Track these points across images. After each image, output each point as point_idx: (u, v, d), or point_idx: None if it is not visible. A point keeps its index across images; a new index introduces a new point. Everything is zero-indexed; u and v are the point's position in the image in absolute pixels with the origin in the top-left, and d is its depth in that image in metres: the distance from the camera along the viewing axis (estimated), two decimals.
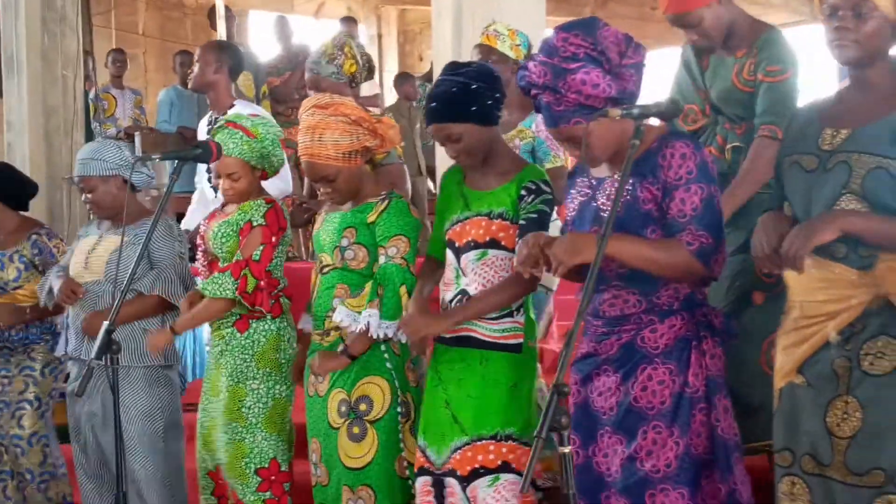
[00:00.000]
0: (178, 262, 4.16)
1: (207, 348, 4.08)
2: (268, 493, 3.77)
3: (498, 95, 3.33)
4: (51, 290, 4.24)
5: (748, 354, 3.48)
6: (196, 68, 5.23)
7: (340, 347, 3.52)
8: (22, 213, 4.90)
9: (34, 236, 4.76)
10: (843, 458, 2.61)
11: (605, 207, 2.89)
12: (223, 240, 3.84)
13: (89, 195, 4.23)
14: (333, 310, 3.54)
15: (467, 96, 3.26)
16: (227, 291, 3.71)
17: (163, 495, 4.13)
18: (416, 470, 3.40)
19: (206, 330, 5.17)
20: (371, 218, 3.53)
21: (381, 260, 3.51)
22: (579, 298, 2.93)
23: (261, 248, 3.77)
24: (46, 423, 4.71)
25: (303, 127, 3.59)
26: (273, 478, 3.78)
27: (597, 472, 2.89)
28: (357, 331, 3.44)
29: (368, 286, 3.48)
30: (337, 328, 3.55)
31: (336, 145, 3.51)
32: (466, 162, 3.35)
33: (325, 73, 4.78)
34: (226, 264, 3.81)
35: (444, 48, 5.27)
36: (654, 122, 2.88)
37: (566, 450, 2.34)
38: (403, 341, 3.48)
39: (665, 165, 2.80)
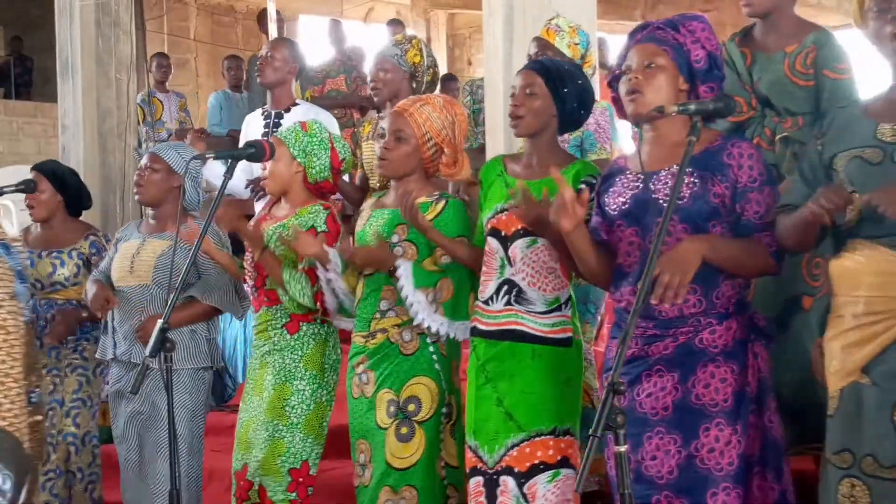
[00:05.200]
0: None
1: None
2: (293, 495, 3.80)
3: (582, 113, 3.40)
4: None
5: (797, 359, 3.43)
6: (270, 64, 5.22)
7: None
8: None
9: (91, 237, 4.86)
10: None
11: (668, 198, 2.82)
12: (279, 243, 3.83)
13: (146, 173, 4.27)
14: (381, 312, 3.56)
15: (570, 80, 3.35)
16: (307, 299, 3.76)
17: (195, 495, 4.19)
18: (467, 470, 3.37)
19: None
20: (429, 216, 3.52)
21: (445, 260, 3.53)
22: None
23: None
24: (95, 424, 4.77)
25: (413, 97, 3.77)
26: (301, 480, 3.81)
27: (646, 476, 2.84)
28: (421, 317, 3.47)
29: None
30: (384, 330, 3.56)
31: (429, 120, 3.57)
32: (517, 122, 3.34)
33: (388, 53, 4.74)
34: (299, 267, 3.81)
35: (496, 48, 5.24)
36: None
37: (622, 449, 2.32)
38: (453, 337, 3.52)
39: (734, 165, 2.83)
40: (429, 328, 3.48)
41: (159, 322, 3.20)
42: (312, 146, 3.90)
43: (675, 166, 2.85)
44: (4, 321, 3.32)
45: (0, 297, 3.32)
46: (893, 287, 2.61)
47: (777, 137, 3.63)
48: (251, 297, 4.03)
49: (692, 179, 2.83)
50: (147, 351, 3.21)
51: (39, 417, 3.59)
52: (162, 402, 3.90)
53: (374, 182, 4.70)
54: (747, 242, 2.83)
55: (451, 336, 3.51)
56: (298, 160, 3.89)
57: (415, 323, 3.48)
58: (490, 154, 5.39)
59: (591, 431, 2.28)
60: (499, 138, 5.18)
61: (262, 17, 9.25)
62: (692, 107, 2.69)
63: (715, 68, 2.95)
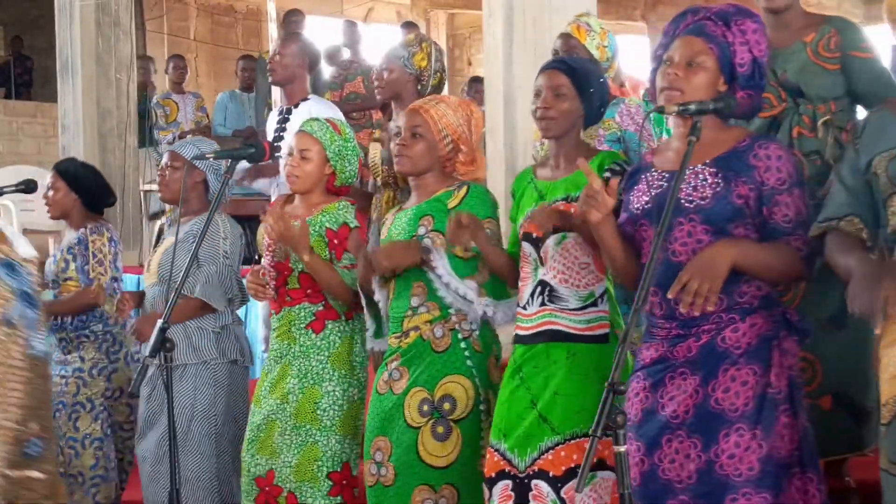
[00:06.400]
0: (221, 262, 4.12)
1: (262, 348, 4.06)
2: (338, 498, 3.72)
3: (602, 110, 3.37)
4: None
5: (863, 356, 3.41)
6: (279, 62, 5.19)
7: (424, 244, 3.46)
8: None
9: (81, 229, 4.77)
10: None
11: (689, 198, 2.82)
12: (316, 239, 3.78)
13: (167, 172, 4.26)
14: (412, 309, 3.51)
15: (595, 78, 3.31)
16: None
17: (214, 497, 4.12)
18: (489, 474, 3.27)
19: (260, 331, 5.18)
20: (452, 203, 3.49)
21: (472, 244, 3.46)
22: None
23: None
24: (101, 425, 4.69)
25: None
26: (345, 482, 3.74)
27: (663, 479, 2.80)
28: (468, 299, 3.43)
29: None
30: (416, 328, 3.51)
31: (445, 117, 3.55)
32: (544, 123, 3.28)
33: (395, 54, 4.72)
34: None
35: (496, 48, 5.25)
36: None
37: (622, 449, 2.32)
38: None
39: (762, 167, 2.77)
40: (484, 313, 3.43)
41: (159, 322, 3.18)
42: (346, 151, 3.86)
43: (699, 165, 2.81)
44: None
45: None
46: None
47: (819, 122, 3.62)
48: (272, 296, 3.90)
49: (716, 180, 2.78)
50: (147, 351, 3.20)
51: (36, 475, 3.09)
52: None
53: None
54: (776, 247, 2.77)
55: (500, 316, 3.45)
56: (332, 162, 3.84)
57: (471, 307, 3.43)
58: (490, 153, 5.40)
59: (591, 431, 2.27)
60: (499, 138, 5.19)
61: (286, 15, 9.22)
62: (692, 107, 2.66)
63: (758, 75, 2.87)
